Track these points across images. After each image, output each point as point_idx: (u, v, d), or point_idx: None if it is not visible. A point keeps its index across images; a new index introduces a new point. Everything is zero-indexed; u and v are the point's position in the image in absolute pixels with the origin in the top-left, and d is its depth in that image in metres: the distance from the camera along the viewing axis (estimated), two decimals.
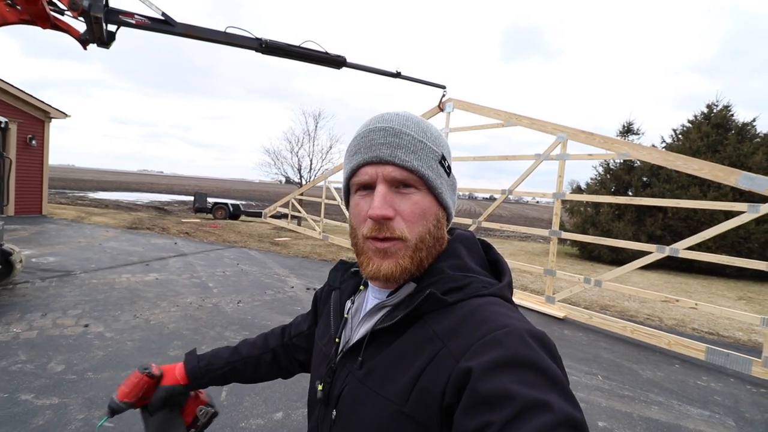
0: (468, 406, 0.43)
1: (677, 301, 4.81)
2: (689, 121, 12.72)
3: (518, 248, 14.71)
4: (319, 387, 0.64)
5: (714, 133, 11.62)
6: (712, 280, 10.40)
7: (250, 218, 15.07)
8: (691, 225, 11.30)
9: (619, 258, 11.99)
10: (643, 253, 5.15)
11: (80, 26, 4.50)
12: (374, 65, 6.44)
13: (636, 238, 11.34)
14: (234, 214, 14.43)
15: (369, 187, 0.59)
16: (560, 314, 5.49)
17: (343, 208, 9.38)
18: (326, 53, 5.79)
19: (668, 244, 5.00)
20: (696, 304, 4.59)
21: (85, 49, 4.69)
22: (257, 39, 5.35)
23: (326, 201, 10.85)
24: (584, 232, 12.44)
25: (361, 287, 0.70)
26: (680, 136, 12.74)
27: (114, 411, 0.80)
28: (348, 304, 0.70)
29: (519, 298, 6.11)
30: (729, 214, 5.09)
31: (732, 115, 11.90)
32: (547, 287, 5.89)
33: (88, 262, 6.10)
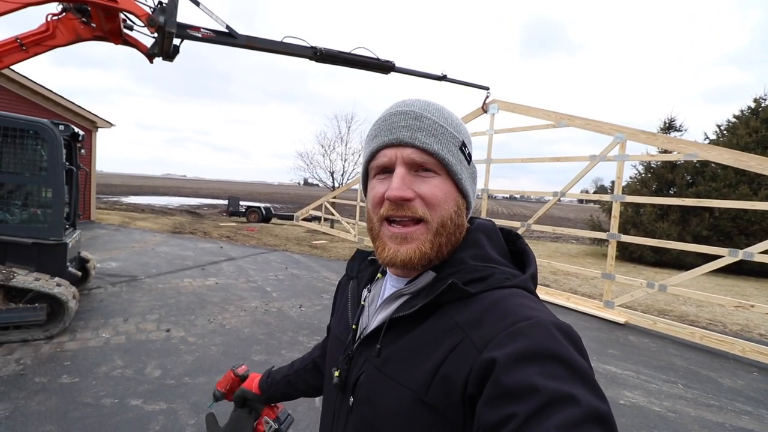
0: (491, 398, 0.43)
1: (752, 306, 4.62)
2: (735, 116, 12.23)
3: (552, 249, 14.45)
4: (336, 374, 0.63)
5: (764, 128, 11.12)
6: (763, 281, 9.97)
7: (281, 221, 15.31)
8: (741, 225, 10.86)
9: (663, 260, 11.64)
10: (710, 257, 4.95)
11: (147, 41, 4.67)
12: (418, 68, 6.44)
13: (681, 239, 10.97)
14: (266, 217, 14.67)
15: (388, 170, 0.58)
16: (621, 319, 5.36)
17: (357, 198, 9.37)
18: (377, 59, 5.83)
19: (714, 245, 4.81)
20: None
21: (151, 62, 4.86)
22: (312, 48, 5.43)
23: (361, 204, 10.92)
24: (625, 232, 12.11)
25: (379, 275, 0.69)
26: (725, 132, 12.27)
27: (215, 397, 0.99)
28: (365, 292, 0.69)
29: (575, 302, 5.99)
30: None
31: None
32: (605, 291, 5.76)
33: (149, 267, 6.31)
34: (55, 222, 3.76)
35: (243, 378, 0.97)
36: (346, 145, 13.30)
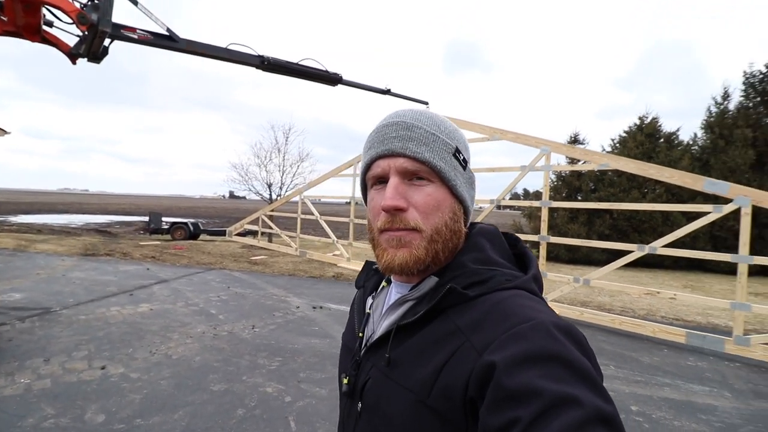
0: (494, 402, 0.43)
1: (658, 293, 5.45)
2: (625, 132, 14.33)
3: None
4: (345, 381, 0.64)
5: (647, 141, 13.20)
6: (656, 271, 11.73)
7: (212, 237, 14.28)
8: (634, 224, 12.69)
9: (575, 257, 13.12)
10: (624, 252, 5.72)
11: (69, 39, 4.16)
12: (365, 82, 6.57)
13: (588, 238, 12.48)
14: (194, 233, 13.59)
15: (383, 180, 0.59)
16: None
17: (298, 211, 9.32)
18: (326, 71, 5.84)
19: (614, 242, 5.61)
20: (674, 295, 5.24)
21: (74, 63, 4.34)
22: (260, 56, 5.27)
23: (302, 216, 10.68)
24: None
25: (384, 283, 0.71)
26: (618, 144, 14.30)
27: None
28: (369, 300, 0.71)
29: None
30: (692, 215, 5.84)
31: (660, 125, 13.62)
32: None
33: (63, 296, 5.47)
34: None
35: None
36: (283, 157, 12.89)
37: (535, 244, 6.72)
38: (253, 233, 13.76)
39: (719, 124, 12.96)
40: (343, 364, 0.70)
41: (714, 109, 13.60)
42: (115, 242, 11.57)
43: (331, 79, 6.07)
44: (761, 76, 12.82)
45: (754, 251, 4.68)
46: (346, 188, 9.70)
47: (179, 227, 13.22)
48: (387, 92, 6.91)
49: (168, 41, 4.48)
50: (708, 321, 6.26)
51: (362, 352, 0.63)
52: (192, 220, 14.05)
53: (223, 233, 13.86)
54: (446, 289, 0.53)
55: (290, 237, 11.32)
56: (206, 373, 3.44)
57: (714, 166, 12.21)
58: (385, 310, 0.64)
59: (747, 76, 13.20)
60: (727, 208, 4.80)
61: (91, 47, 4.01)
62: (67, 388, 3.06)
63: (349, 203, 9.89)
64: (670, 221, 12.17)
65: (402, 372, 0.54)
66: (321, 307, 5.77)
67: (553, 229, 13.69)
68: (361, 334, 0.66)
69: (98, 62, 4.44)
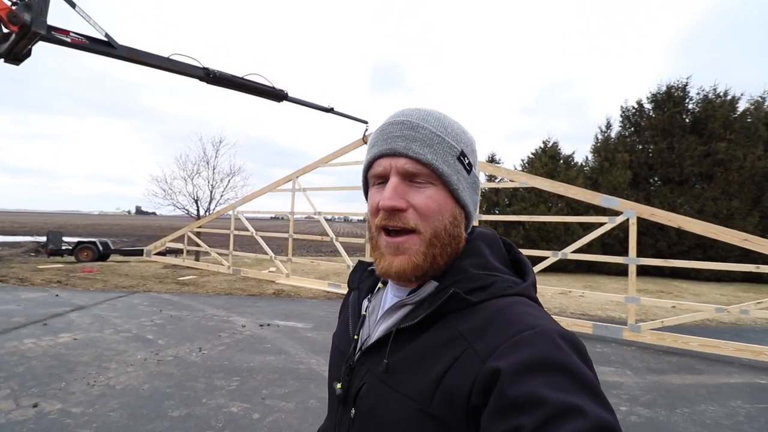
0: (496, 409, 0.42)
1: (570, 291, 6.37)
2: (532, 153, 16.30)
3: None
4: (338, 386, 0.62)
5: (550, 162, 15.20)
6: (561, 275, 13.40)
7: (125, 258, 12.83)
8: (542, 234, 14.41)
9: None
10: (542, 258, 6.58)
11: None
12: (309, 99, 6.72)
13: None
14: (104, 254, 12.12)
15: (385, 179, 0.59)
16: None
17: (231, 227, 8.99)
18: (272, 87, 5.90)
19: (525, 249, 6.51)
20: (583, 293, 6.19)
21: None
22: (204, 68, 5.17)
23: (236, 232, 10.25)
24: None
25: (380, 285, 0.69)
26: (527, 164, 16.19)
27: None
28: (365, 302, 0.69)
29: None
30: (589, 225, 6.95)
31: (559, 149, 15.77)
32: None
33: None
34: None
35: None
36: (213, 170, 12.19)
37: None
38: (177, 252, 12.74)
39: (604, 149, 15.45)
40: (334, 368, 0.69)
41: (600, 137, 16.20)
42: (5, 266, 9.86)
43: (276, 95, 6.13)
44: (633, 110, 15.64)
45: (638, 254, 5.78)
46: (281, 204, 9.59)
47: (86, 247, 11.67)
48: (330, 110, 7.15)
49: (106, 47, 4.21)
50: (606, 314, 7.43)
51: (357, 356, 0.62)
52: (101, 239, 12.52)
53: (139, 253, 12.58)
54: (449, 294, 0.53)
55: (221, 255, 10.74)
56: (160, 400, 3.25)
57: (602, 184, 14.46)
58: (381, 314, 0.63)
59: (623, 109, 16.00)
60: (619, 219, 5.87)
61: (14, 48, 3.62)
62: None
63: (282, 219, 9.77)
64: (570, 231, 14.06)
65: (400, 378, 0.53)
66: (269, 325, 5.66)
67: None
68: (356, 337, 0.65)
69: (18, 64, 4.00)
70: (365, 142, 8.28)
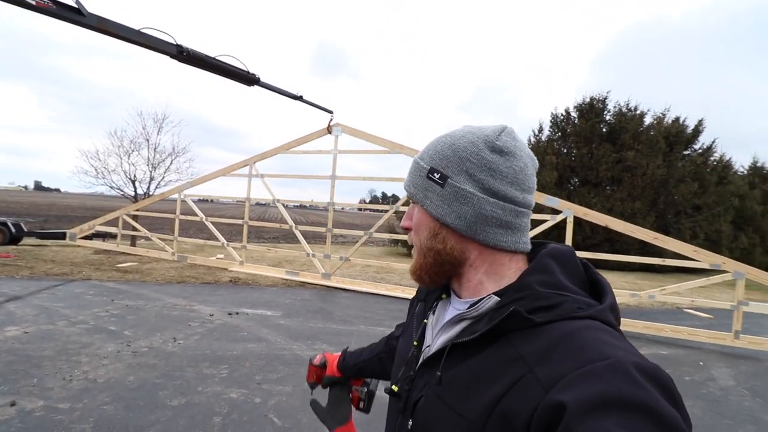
0: None
1: None
2: None
3: (361, 252, 16.49)
4: (395, 389, 0.66)
5: None
6: None
7: (41, 242, 11.36)
8: None
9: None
10: None
11: None
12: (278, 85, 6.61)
13: None
14: (16, 236, 10.64)
15: None
16: None
17: (177, 210, 8.49)
18: (246, 71, 5.74)
19: None
20: None
21: None
22: (177, 45, 4.91)
23: (181, 216, 9.68)
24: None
25: (444, 296, 0.69)
26: None
27: (311, 386, 1.10)
28: (429, 314, 0.70)
29: (403, 292, 7.51)
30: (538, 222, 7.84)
31: None
32: None
33: None
34: None
35: (323, 366, 1.07)
36: (155, 149, 11.18)
37: None
38: (106, 236, 11.63)
39: (536, 150, 17.02)
40: (395, 376, 0.71)
41: (533, 139, 17.80)
42: None
43: (248, 79, 5.96)
44: (561, 117, 17.41)
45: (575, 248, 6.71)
46: (236, 188, 9.26)
47: None
48: (299, 98, 7.10)
49: (74, 14, 3.82)
50: None
51: (417, 366, 0.63)
52: (12, 220, 10.94)
53: (61, 236, 11.25)
54: (509, 312, 0.50)
55: (165, 240, 10.08)
56: (152, 391, 3.22)
57: None
58: (442, 326, 0.63)
59: (553, 116, 17.73)
60: (559, 217, 6.75)
61: None
62: None
63: (211, 202, 9.49)
64: None
65: (455, 395, 0.52)
66: (237, 313, 5.62)
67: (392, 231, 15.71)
68: (416, 343, 0.66)
69: None
70: (329, 132, 8.33)
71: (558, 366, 0.44)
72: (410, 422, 0.59)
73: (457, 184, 0.59)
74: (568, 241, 6.54)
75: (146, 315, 5.23)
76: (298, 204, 9.10)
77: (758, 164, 20.15)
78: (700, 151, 16.59)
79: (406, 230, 0.67)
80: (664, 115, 16.80)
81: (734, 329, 5.57)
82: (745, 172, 19.82)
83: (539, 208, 13.83)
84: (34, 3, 3.48)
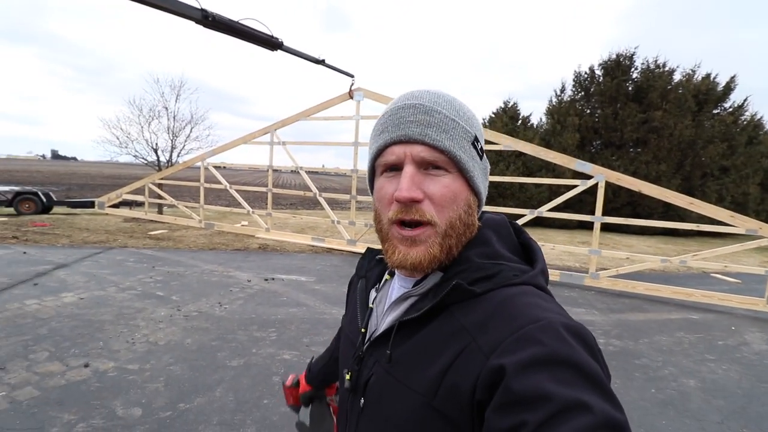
0: (501, 405, 0.42)
1: (543, 245, 7.18)
2: (493, 113, 16.91)
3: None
4: (347, 376, 0.63)
5: (510, 122, 15.95)
6: (542, 229, 14.67)
7: (71, 210, 11.69)
8: (500, 191, 15.45)
9: None
10: (518, 216, 7.27)
11: None
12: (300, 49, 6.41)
13: None
14: (48, 206, 10.94)
15: (396, 168, 0.56)
16: None
17: (201, 179, 8.58)
18: (270, 35, 5.57)
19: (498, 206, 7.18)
20: (554, 247, 7.03)
21: None
22: (202, 10, 4.74)
23: (206, 185, 9.79)
24: None
25: (387, 276, 0.68)
26: (488, 123, 16.83)
27: (294, 410, 1.06)
28: (373, 293, 0.68)
29: None
30: (565, 187, 7.73)
31: (518, 110, 16.52)
32: None
33: None
34: None
35: (296, 385, 1.05)
36: (174, 117, 11.15)
37: None
38: (133, 204, 11.87)
39: (557, 111, 16.45)
40: (345, 357, 0.69)
41: (555, 100, 17.15)
42: None
43: (272, 43, 5.79)
44: (585, 75, 16.64)
45: (581, 211, 6.64)
46: (251, 155, 9.26)
47: (27, 198, 10.40)
48: (321, 62, 6.90)
49: None
50: (564, 264, 8.51)
51: (365, 347, 0.63)
52: (42, 189, 11.22)
53: (90, 205, 11.55)
54: (451, 286, 0.51)
55: (191, 208, 10.27)
56: (211, 353, 3.41)
57: (554, 146, 15.58)
58: (388, 305, 0.63)
59: (576, 74, 16.94)
60: (591, 182, 6.63)
61: None
62: (62, 392, 2.71)
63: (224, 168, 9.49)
64: (524, 188, 15.23)
65: (405, 370, 0.54)
66: (273, 279, 5.81)
67: None
68: (363, 330, 0.65)
69: None
70: (351, 97, 8.14)
71: (496, 333, 0.47)
72: (362, 400, 0.59)
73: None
74: (599, 206, 6.46)
75: (188, 281, 5.44)
76: (313, 171, 9.10)
77: None
78: (731, 110, 15.81)
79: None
80: (693, 71, 15.90)
81: (767, 294, 5.56)
82: None
83: (562, 172, 13.72)
84: None
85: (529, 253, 0.60)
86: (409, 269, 0.56)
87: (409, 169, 0.53)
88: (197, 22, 4.82)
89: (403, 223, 0.55)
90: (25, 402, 2.57)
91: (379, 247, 0.66)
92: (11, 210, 10.31)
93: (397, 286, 0.64)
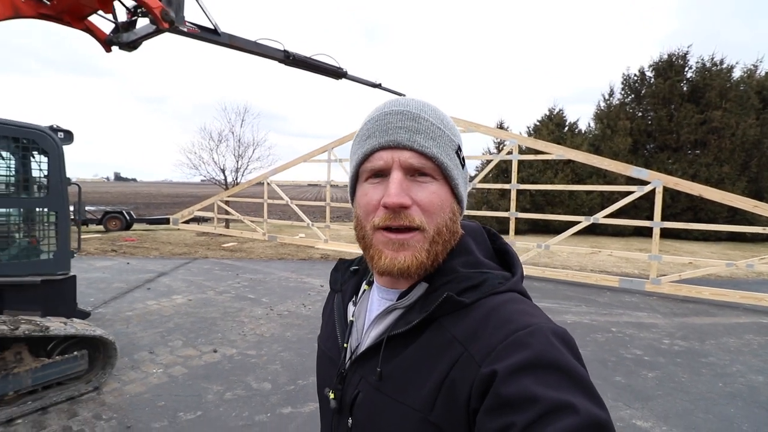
0: (490, 408, 0.43)
1: (600, 251, 7.27)
2: (539, 121, 16.89)
3: None
4: (331, 395, 0.61)
5: (557, 129, 15.87)
6: (597, 237, 14.48)
7: (151, 226, 13.12)
8: (548, 199, 15.34)
9: (504, 228, 15.38)
10: (573, 223, 7.40)
11: (104, 26, 4.01)
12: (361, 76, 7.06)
13: None
14: (129, 223, 12.40)
15: (382, 174, 0.55)
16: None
17: (264, 195, 9.25)
18: (338, 67, 6.23)
19: (534, 213, 7.30)
20: (611, 253, 7.10)
21: (108, 51, 4.16)
22: (284, 51, 5.46)
23: (269, 201, 10.70)
24: (479, 209, 15.42)
25: (365, 287, 0.66)
26: (533, 131, 16.82)
27: None
28: (351, 307, 0.66)
29: None
30: (618, 194, 7.75)
31: (564, 116, 16.41)
32: None
33: (83, 296, 5.14)
34: (62, 252, 3.09)
35: None
36: (238, 140, 12.38)
37: (506, 220, 8.17)
38: (201, 220, 13.10)
39: (606, 116, 16.16)
40: (324, 374, 0.67)
41: (603, 104, 16.87)
42: None
43: (338, 73, 6.47)
44: (635, 78, 16.27)
45: (636, 217, 6.64)
46: (314, 173, 9.97)
47: (114, 216, 11.90)
48: (378, 86, 7.51)
49: (212, 35, 4.49)
50: (621, 270, 8.45)
51: (347, 364, 0.61)
52: (125, 208, 12.72)
53: (166, 221, 12.90)
54: (443, 298, 0.52)
55: (255, 222, 11.23)
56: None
57: (604, 151, 15.30)
58: (372, 319, 0.61)
59: (624, 77, 16.60)
60: (647, 188, 6.68)
61: (143, 39, 3.93)
62: (205, 370, 3.35)
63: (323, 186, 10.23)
64: (574, 196, 15.02)
65: (396, 386, 0.53)
66: None
67: (487, 205, 15.74)
68: (345, 345, 0.62)
69: (131, 50, 4.28)
70: None
71: (487, 341, 0.48)
72: (350, 420, 0.57)
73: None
74: (657, 212, 6.49)
75: (271, 286, 6.13)
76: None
77: None
78: None
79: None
80: (756, 66, 15.12)
81: None
82: None
83: (614, 178, 13.43)
84: (186, 30, 4.16)
85: (507, 259, 0.62)
86: (395, 275, 0.55)
87: (397, 175, 0.53)
88: (280, 61, 5.56)
89: (390, 230, 0.54)
90: (180, 376, 3.23)
91: (350, 258, 0.71)
92: (100, 227, 11.79)
93: (377, 298, 0.62)
